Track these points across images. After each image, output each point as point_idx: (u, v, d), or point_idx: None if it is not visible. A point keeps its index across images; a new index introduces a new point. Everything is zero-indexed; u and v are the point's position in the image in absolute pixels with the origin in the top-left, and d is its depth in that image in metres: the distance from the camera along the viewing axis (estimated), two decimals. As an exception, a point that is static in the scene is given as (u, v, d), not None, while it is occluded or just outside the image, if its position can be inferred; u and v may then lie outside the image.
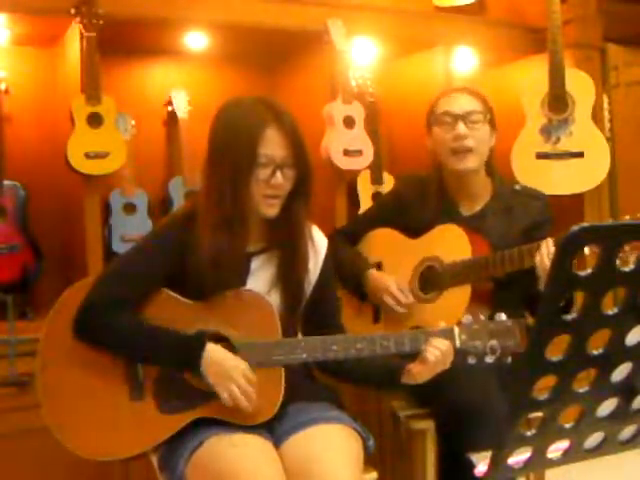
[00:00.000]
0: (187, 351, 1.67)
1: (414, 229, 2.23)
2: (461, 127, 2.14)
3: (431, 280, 2.17)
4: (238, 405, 1.63)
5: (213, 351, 1.66)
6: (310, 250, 1.81)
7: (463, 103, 2.18)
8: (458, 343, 1.71)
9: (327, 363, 1.77)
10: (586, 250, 1.28)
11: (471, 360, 1.71)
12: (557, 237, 1.96)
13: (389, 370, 1.79)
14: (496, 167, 2.27)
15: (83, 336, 1.72)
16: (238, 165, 1.68)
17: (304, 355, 1.69)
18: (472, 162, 2.15)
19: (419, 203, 2.26)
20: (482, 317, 1.73)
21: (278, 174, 1.70)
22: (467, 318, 1.73)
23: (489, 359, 1.71)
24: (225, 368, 1.64)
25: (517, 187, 2.27)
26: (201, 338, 1.68)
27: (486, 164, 2.21)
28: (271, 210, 1.73)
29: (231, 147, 1.70)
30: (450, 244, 2.13)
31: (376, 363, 1.78)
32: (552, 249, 1.90)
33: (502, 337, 1.71)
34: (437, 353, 1.68)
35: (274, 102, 1.75)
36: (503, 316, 1.72)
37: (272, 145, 1.69)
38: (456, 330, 1.71)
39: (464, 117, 2.15)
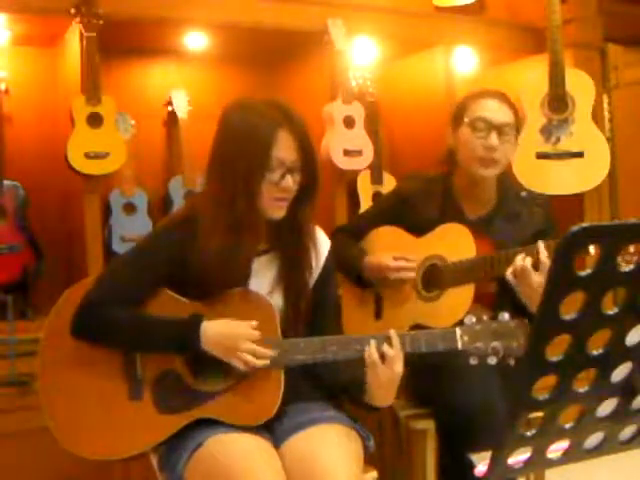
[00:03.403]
0: (185, 331, 1.67)
1: (417, 228, 2.22)
2: (494, 138, 2.10)
3: (434, 279, 2.17)
4: (256, 367, 1.64)
5: (210, 326, 1.67)
6: (312, 251, 1.81)
7: (500, 113, 2.14)
8: (460, 345, 1.69)
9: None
10: (591, 249, 1.28)
11: (473, 361, 1.69)
12: (557, 238, 1.96)
13: (355, 381, 1.74)
14: (508, 174, 2.26)
15: (81, 335, 1.72)
16: (251, 168, 1.67)
17: (302, 356, 1.68)
18: (493, 172, 2.15)
19: (423, 202, 2.25)
20: (485, 317, 1.71)
21: (288, 177, 1.69)
22: (469, 319, 1.70)
23: (492, 360, 1.69)
24: (227, 338, 1.65)
25: (523, 194, 2.25)
26: (197, 318, 1.68)
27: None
28: (278, 212, 1.73)
29: (244, 149, 1.68)
30: (454, 243, 2.13)
31: (345, 371, 1.77)
32: (526, 266, 1.90)
33: (505, 338, 1.68)
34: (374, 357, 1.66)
35: (286, 105, 1.73)
36: (506, 316, 1.70)
37: (284, 148, 1.68)
38: (458, 332, 1.70)
39: (499, 128, 2.12)
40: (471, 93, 2.23)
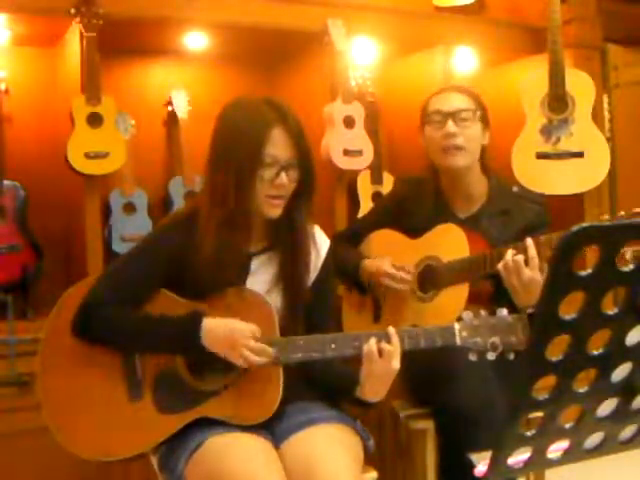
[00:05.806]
0: (186, 326, 1.67)
1: (412, 230, 2.23)
2: (450, 125, 2.14)
3: (430, 279, 2.17)
4: (256, 365, 1.63)
5: (211, 323, 1.66)
6: (312, 251, 1.81)
7: (453, 101, 2.18)
8: (458, 340, 1.68)
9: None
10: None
11: (472, 357, 1.68)
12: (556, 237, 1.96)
13: (346, 377, 1.75)
14: (492, 167, 2.26)
15: (82, 335, 1.72)
16: (242, 164, 1.68)
17: (302, 354, 1.68)
18: (462, 160, 2.15)
19: (415, 204, 2.27)
20: (483, 313, 1.71)
21: (282, 175, 1.69)
22: (467, 314, 1.70)
23: (491, 356, 1.68)
24: (228, 334, 1.64)
25: (515, 189, 2.26)
26: (197, 314, 1.68)
27: (481, 163, 2.21)
28: (274, 211, 1.73)
29: (236, 146, 1.69)
30: (449, 243, 2.13)
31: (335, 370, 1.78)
32: (518, 259, 1.90)
33: (504, 333, 1.67)
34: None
35: (280, 103, 1.74)
36: (505, 312, 1.69)
37: (277, 145, 1.68)
38: (456, 327, 1.69)
39: (453, 115, 2.14)
40: (430, 94, 2.27)
